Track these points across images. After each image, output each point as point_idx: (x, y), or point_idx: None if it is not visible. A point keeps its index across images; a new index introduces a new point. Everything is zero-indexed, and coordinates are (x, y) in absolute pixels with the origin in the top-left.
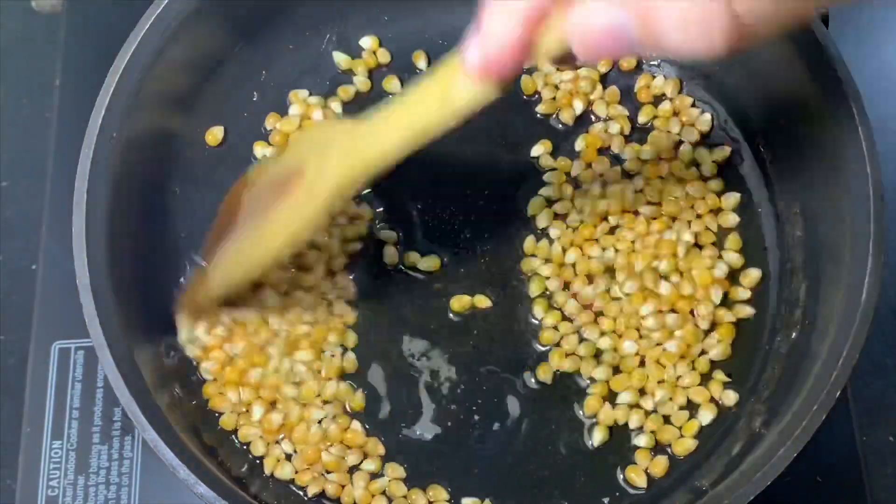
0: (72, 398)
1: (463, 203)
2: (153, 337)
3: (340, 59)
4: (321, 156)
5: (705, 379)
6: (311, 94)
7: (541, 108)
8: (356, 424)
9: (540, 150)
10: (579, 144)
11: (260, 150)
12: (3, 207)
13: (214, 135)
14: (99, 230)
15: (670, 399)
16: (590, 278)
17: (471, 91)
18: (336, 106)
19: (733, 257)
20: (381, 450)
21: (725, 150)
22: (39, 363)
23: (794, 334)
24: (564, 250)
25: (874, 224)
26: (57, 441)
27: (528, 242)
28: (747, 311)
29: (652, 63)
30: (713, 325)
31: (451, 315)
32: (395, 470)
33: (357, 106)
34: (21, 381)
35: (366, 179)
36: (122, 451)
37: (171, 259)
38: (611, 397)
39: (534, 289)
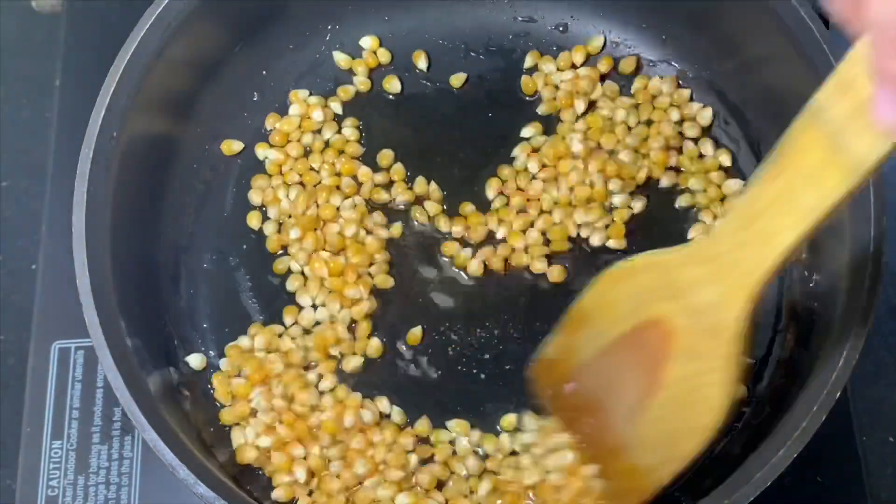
0: (72, 398)
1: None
2: (153, 337)
3: (340, 58)
4: (678, 295)
5: None
6: (311, 94)
7: (541, 109)
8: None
9: (531, 131)
10: (579, 125)
11: (261, 151)
12: (3, 207)
13: (230, 146)
14: (99, 230)
15: None
16: None
17: (879, 147)
18: (336, 106)
19: None
20: None
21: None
22: (39, 363)
23: (793, 334)
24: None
25: (874, 224)
26: (57, 441)
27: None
28: None
29: (650, 64)
30: None
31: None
32: None
33: (357, 106)
34: (21, 381)
35: (761, 294)
36: (122, 451)
37: (171, 259)
38: None
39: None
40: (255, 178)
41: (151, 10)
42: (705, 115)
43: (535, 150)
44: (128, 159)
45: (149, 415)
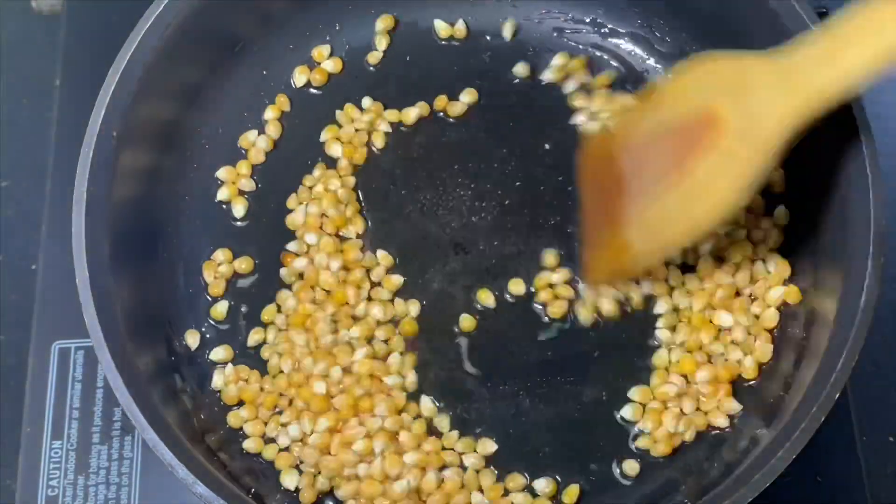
0: (72, 398)
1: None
2: (153, 336)
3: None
4: (741, 95)
5: None
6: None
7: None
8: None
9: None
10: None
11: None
12: (3, 207)
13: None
14: (99, 230)
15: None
16: None
17: None
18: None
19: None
20: None
21: None
22: (39, 363)
23: (793, 335)
24: None
25: (874, 224)
26: (57, 441)
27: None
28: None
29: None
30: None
31: None
32: None
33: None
34: (21, 381)
35: (814, 119)
36: (122, 451)
37: (171, 258)
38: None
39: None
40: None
41: (151, 10)
42: None
43: None
44: (127, 159)
45: (148, 415)
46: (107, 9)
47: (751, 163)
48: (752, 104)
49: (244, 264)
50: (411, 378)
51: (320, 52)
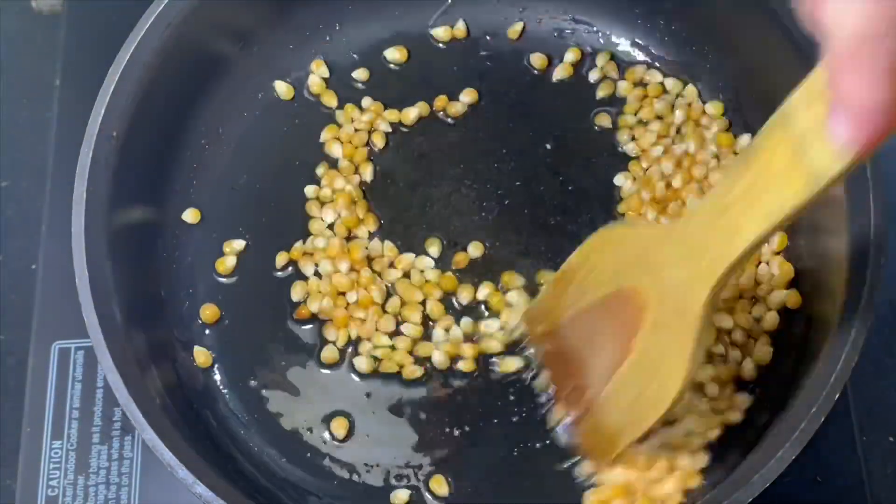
0: (72, 398)
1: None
2: (153, 336)
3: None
4: (653, 270)
5: None
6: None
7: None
8: None
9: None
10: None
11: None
12: (3, 207)
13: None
14: (98, 230)
15: None
16: None
17: (837, 163)
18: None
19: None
20: None
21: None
22: (39, 363)
23: (793, 336)
24: None
25: (874, 224)
26: (57, 441)
27: None
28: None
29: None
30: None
31: None
32: None
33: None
34: (21, 381)
35: (727, 281)
36: (122, 451)
37: (170, 258)
38: None
39: None
40: None
41: (151, 10)
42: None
43: None
44: (127, 159)
45: (148, 415)
46: (107, 9)
47: (687, 334)
48: (668, 280)
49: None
50: None
51: (318, 63)
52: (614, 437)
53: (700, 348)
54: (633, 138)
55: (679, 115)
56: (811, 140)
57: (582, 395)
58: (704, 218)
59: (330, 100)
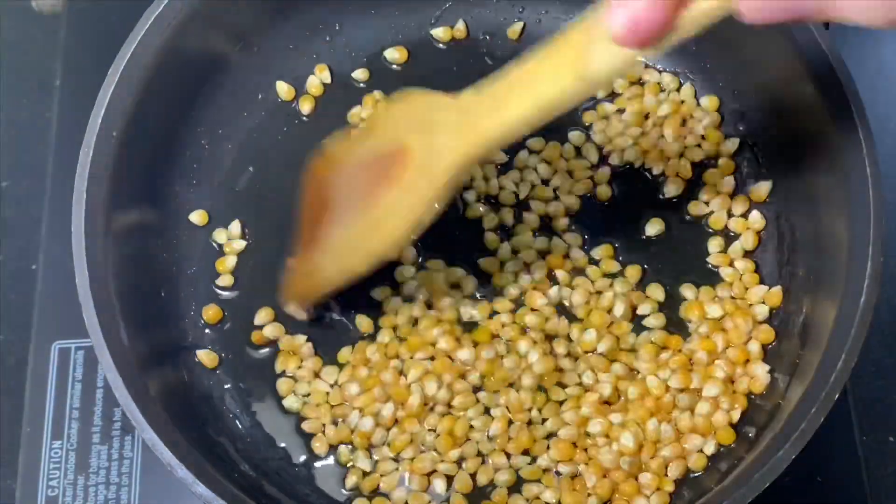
0: (72, 398)
1: None
2: (153, 336)
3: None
4: (428, 132)
5: None
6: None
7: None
8: None
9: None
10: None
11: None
12: (3, 207)
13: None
14: (98, 230)
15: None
16: None
17: (612, 58)
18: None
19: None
20: None
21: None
22: (39, 363)
23: (793, 336)
24: None
25: (874, 225)
26: (57, 441)
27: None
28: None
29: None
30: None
31: None
32: None
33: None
34: (21, 381)
35: (483, 157)
36: (122, 451)
37: (170, 258)
38: None
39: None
40: None
41: (151, 10)
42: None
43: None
44: (127, 159)
45: (147, 415)
46: (107, 9)
47: (425, 195)
48: (434, 141)
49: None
50: None
51: (321, 67)
52: (321, 279)
53: (426, 211)
54: (603, 129)
55: (665, 108)
56: (597, 38)
57: (321, 236)
58: (488, 93)
59: (331, 102)
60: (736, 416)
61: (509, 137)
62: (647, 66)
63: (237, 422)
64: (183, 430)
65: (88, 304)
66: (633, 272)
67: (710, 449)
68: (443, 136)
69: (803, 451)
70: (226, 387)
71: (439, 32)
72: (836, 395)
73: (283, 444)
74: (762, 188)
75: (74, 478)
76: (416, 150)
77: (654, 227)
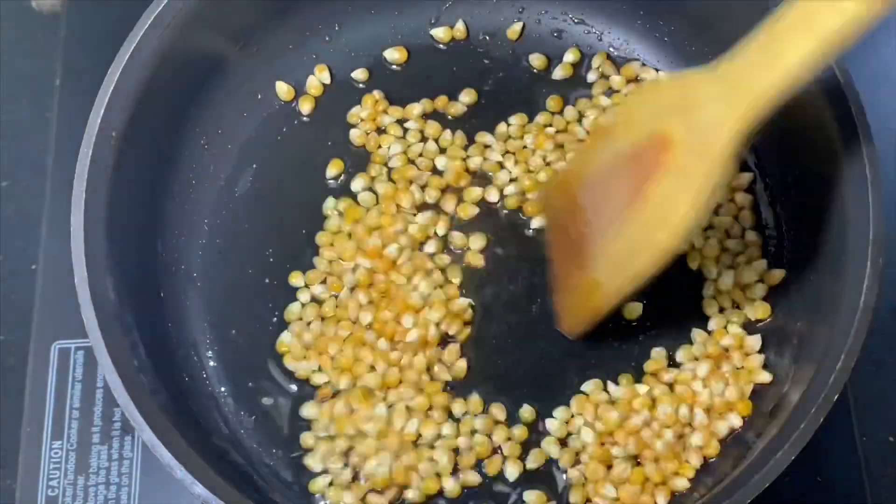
0: (72, 398)
1: None
2: (152, 336)
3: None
4: (688, 112)
5: None
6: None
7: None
8: None
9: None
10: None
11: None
12: (3, 207)
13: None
14: (98, 230)
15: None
16: None
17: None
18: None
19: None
20: None
21: None
22: (39, 363)
23: (792, 336)
24: None
25: (873, 225)
26: (57, 441)
27: None
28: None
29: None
30: None
31: None
32: None
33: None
34: (21, 381)
35: (763, 117)
36: (122, 451)
37: (169, 258)
38: None
39: None
40: None
41: (151, 9)
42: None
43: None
44: (127, 159)
45: (146, 415)
46: (107, 9)
47: (706, 176)
48: (699, 119)
49: None
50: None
51: (321, 68)
52: (603, 295)
53: (712, 189)
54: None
55: None
56: None
57: (580, 253)
58: (751, 50)
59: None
60: (748, 389)
61: (792, 88)
62: (643, 64)
63: (236, 423)
64: (182, 431)
65: (87, 304)
66: None
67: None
68: (709, 110)
69: (803, 451)
70: (225, 388)
71: (439, 32)
72: (836, 395)
73: (282, 444)
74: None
75: (74, 478)
76: (678, 133)
77: None
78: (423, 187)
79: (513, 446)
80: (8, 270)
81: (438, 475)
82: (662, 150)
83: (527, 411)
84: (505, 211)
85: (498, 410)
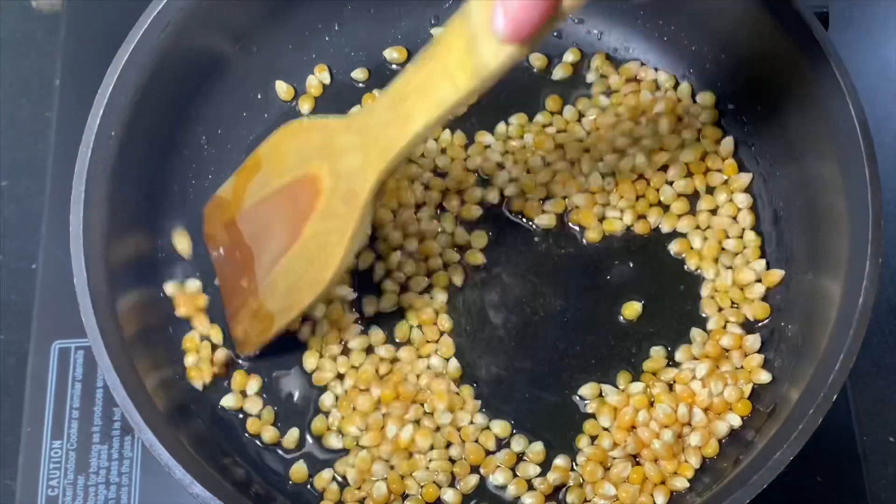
0: (72, 398)
1: None
2: (152, 337)
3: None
4: (331, 158)
5: None
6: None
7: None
8: None
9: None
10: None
11: None
12: (3, 207)
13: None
14: (97, 230)
15: None
16: None
17: (499, 55)
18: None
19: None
20: None
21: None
22: (39, 363)
23: (792, 335)
24: None
25: (872, 223)
26: (57, 441)
27: None
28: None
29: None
30: None
31: None
32: None
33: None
34: (21, 381)
35: (396, 168)
36: (121, 451)
37: (169, 259)
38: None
39: None
40: None
41: (151, 9)
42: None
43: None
44: (127, 159)
45: (145, 415)
46: (107, 9)
47: (351, 218)
48: (342, 166)
49: None
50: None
51: (321, 67)
52: (271, 320)
53: (360, 232)
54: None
55: (660, 105)
56: (481, 35)
57: (245, 283)
58: (384, 108)
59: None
60: (748, 389)
61: (417, 144)
62: (642, 64)
63: (235, 423)
64: (181, 431)
65: (87, 304)
66: None
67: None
68: (349, 158)
69: (803, 451)
70: (224, 388)
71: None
72: (836, 395)
73: (281, 445)
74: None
75: (74, 478)
76: (324, 176)
77: None
78: (425, 186)
79: (509, 455)
80: (8, 270)
81: (437, 484)
82: (312, 191)
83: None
84: (506, 212)
85: (500, 429)
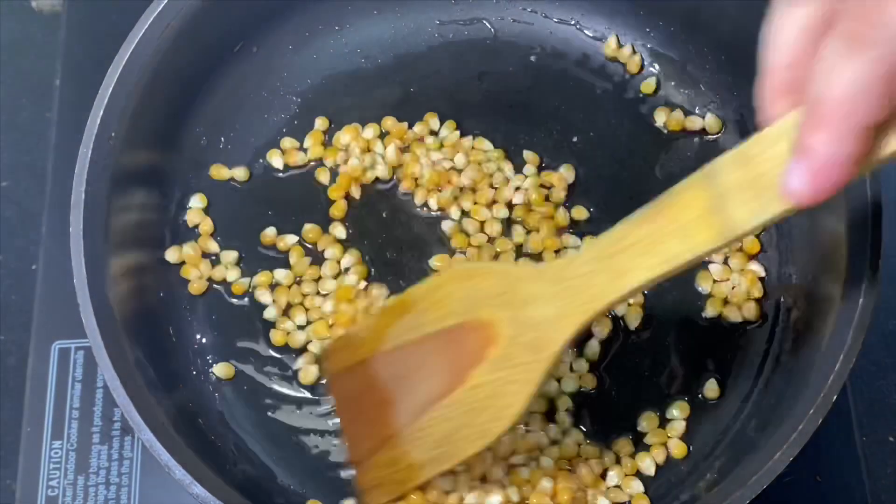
0: (72, 398)
1: None
2: (151, 337)
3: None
4: (516, 306)
5: None
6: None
7: None
8: None
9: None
10: None
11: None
12: (3, 207)
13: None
14: (97, 230)
15: None
16: None
17: (759, 216)
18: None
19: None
20: None
21: None
22: (39, 363)
23: (791, 337)
24: None
25: (872, 223)
26: (57, 441)
27: None
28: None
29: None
30: None
31: None
32: None
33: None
34: (21, 381)
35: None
36: (121, 451)
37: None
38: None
39: None
40: None
41: (151, 9)
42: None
43: None
44: (126, 159)
45: (145, 415)
46: (107, 9)
47: (538, 372)
48: (530, 316)
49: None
50: None
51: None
52: (415, 469)
53: (541, 386)
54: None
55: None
56: (735, 197)
57: (379, 429)
58: (588, 260)
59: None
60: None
61: (626, 300)
62: (643, 64)
63: (235, 423)
64: (181, 431)
65: (87, 304)
66: None
67: None
68: (539, 307)
69: (803, 451)
70: (224, 388)
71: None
72: (836, 396)
73: (281, 445)
74: None
75: (74, 478)
76: (503, 324)
77: None
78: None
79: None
80: (8, 270)
81: None
82: (485, 340)
83: None
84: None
85: None
